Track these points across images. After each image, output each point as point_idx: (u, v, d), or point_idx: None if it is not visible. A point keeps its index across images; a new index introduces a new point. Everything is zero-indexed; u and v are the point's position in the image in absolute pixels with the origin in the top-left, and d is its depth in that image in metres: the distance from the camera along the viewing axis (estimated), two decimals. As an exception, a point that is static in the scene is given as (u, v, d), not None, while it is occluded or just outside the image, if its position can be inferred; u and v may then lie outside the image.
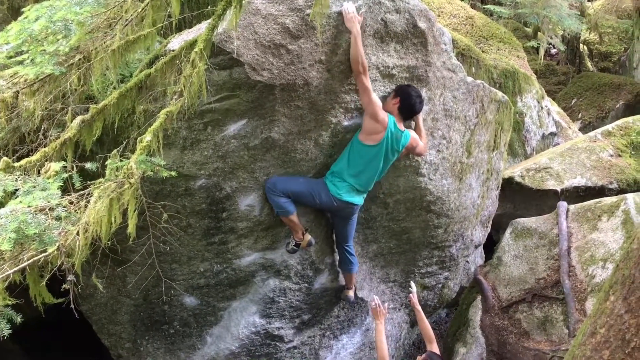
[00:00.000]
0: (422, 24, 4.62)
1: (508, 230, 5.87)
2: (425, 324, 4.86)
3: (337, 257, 5.22)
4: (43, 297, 3.48)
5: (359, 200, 4.73)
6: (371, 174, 4.62)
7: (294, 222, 4.71)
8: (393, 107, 4.53)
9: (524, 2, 10.27)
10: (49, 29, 3.37)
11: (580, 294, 5.03)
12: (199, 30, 4.32)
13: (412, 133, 4.69)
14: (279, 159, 4.63)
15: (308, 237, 4.81)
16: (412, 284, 5.25)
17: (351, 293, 5.26)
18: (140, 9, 3.58)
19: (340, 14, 4.20)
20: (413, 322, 6.10)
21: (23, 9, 3.89)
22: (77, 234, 3.14)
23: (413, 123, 4.85)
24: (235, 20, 3.64)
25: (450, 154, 5.25)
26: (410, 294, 5.08)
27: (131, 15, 3.60)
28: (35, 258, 3.10)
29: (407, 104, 4.54)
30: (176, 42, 4.29)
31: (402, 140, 4.58)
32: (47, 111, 3.89)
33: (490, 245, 6.81)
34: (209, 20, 3.92)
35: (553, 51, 13.32)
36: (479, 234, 6.31)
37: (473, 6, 11.44)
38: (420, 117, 4.79)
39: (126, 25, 3.58)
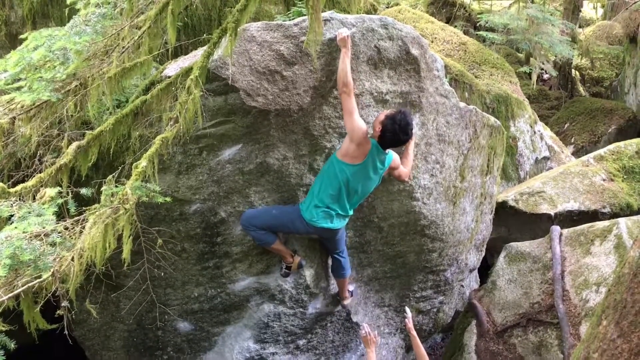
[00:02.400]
0: (414, 51, 4.69)
1: (502, 255, 5.88)
2: (421, 349, 4.84)
3: (332, 281, 5.21)
4: (37, 323, 3.46)
5: (338, 224, 4.55)
6: (351, 194, 4.41)
7: (279, 249, 4.71)
8: (376, 133, 4.31)
9: (515, 29, 10.41)
10: (47, 58, 3.42)
11: (574, 318, 5.03)
12: (195, 56, 4.38)
13: (394, 155, 4.54)
14: (274, 184, 4.66)
15: (297, 259, 4.83)
16: (407, 309, 5.23)
17: (348, 300, 5.21)
18: (137, 37, 3.64)
19: (333, 40, 4.27)
20: (408, 347, 6.07)
21: (21, 36, 3.95)
22: (72, 259, 3.14)
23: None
24: (230, 47, 3.70)
25: (444, 178, 5.29)
26: (406, 319, 5.07)
27: (128, 42, 3.65)
28: (30, 284, 3.10)
29: (388, 137, 4.26)
30: (172, 69, 4.35)
31: (387, 160, 4.44)
32: (43, 137, 3.92)
33: (485, 269, 6.81)
34: (204, 47, 3.98)
35: (545, 76, 13.47)
36: (474, 258, 6.32)
37: (466, 32, 11.61)
38: (412, 143, 4.68)
39: (123, 52, 3.63)
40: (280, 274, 4.89)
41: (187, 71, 3.74)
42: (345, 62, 4.10)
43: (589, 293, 5.01)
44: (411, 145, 4.71)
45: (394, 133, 4.21)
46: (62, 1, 5.27)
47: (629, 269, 3.03)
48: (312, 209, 4.43)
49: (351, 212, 4.60)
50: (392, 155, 4.52)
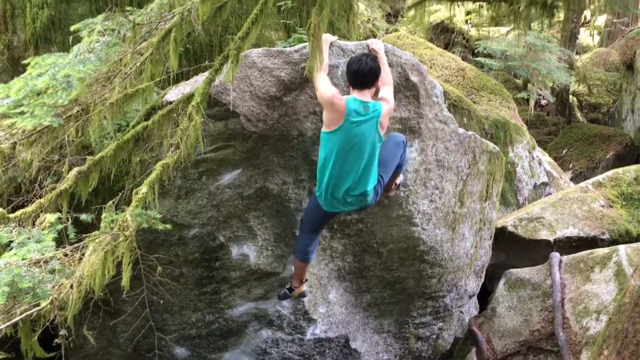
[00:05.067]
0: (414, 78, 4.73)
1: (502, 281, 5.85)
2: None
3: (332, 307, 5.17)
4: (34, 351, 3.43)
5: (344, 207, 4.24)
6: (342, 163, 4.03)
7: (304, 271, 4.59)
8: (350, 89, 4.11)
9: (513, 55, 10.52)
10: (51, 85, 3.45)
11: (575, 346, 4.99)
12: (196, 82, 4.42)
13: (382, 102, 4.13)
14: (273, 209, 4.66)
15: (304, 287, 4.70)
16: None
17: (305, 287, 4.76)
18: (139, 63, 3.67)
19: (333, 66, 4.30)
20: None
21: (24, 61, 3.98)
22: (71, 287, 3.13)
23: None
24: (232, 73, 3.73)
25: (443, 204, 5.29)
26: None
27: (130, 68, 3.69)
28: (28, 312, 3.08)
29: (349, 73, 4.08)
30: (173, 94, 4.38)
31: (372, 106, 4.03)
32: (44, 162, 3.93)
33: (485, 296, 6.77)
34: (206, 73, 4.01)
35: (543, 102, 13.56)
36: (473, 284, 6.29)
37: (464, 58, 11.72)
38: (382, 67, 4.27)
39: (125, 78, 3.67)
40: (278, 294, 4.81)
41: (189, 97, 3.77)
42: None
43: (590, 321, 4.98)
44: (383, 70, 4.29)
45: (351, 65, 4.07)
46: (65, 26, 5.33)
47: (629, 298, 3.02)
48: (318, 194, 4.22)
49: (348, 185, 4.10)
50: (379, 102, 4.10)
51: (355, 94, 4.04)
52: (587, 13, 16.13)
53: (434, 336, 6.11)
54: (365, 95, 4.05)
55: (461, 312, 6.38)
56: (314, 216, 4.37)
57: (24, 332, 3.27)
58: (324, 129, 4.05)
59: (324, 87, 3.99)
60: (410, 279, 5.47)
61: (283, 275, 4.90)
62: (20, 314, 3.14)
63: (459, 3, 3.38)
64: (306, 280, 4.71)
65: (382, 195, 4.54)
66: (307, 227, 4.42)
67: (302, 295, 4.75)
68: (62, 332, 3.28)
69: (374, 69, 4.06)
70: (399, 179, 4.72)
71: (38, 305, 3.12)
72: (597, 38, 18.00)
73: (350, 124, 3.96)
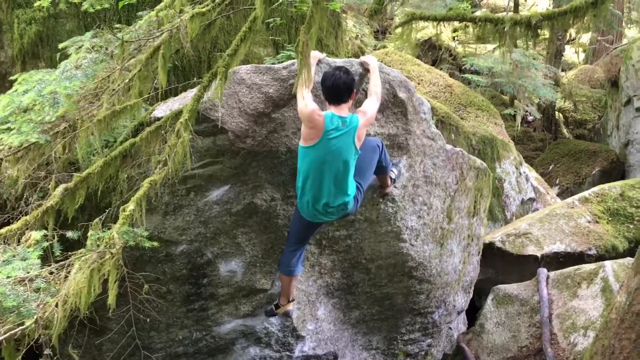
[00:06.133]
0: (402, 94, 4.77)
1: (490, 297, 5.87)
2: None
3: (320, 324, 5.15)
4: (18, 372, 3.37)
5: (324, 218, 4.24)
6: (321, 177, 4.05)
7: (290, 287, 4.56)
8: (326, 105, 4.12)
9: (500, 72, 10.63)
10: (37, 101, 3.43)
11: (563, 362, 5.01)
12: (185, 98, 4.42)
13: (359, 114, 4.12)
14: (262, 225, 4.65)
15: (291, 306, 4.67)
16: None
17: (291, 306, 4.73)
18: (127, 79, 3.67)
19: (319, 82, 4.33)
20: (396, 391, 5.98)
21: (11, 77, 3.97)
22: (56, 306, 3.09)
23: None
24: (220, 90, 3.74)
25: (431, 220, 5.31)
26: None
27: (118, 85, 3.69)
28: (12, 331, 3.04)
29: (324, 88, 4.07)
30: (161, 110, 4.37)
31: (350, 120, 4.03)
32: (30, 179, 3.90)
33: (473, 311, 6.78)
34: (194, 90, 4.02)
35: (530, 118, 13.69)
36: (461, 300, 6.30)
37: (452, 75, 11.83)
38: (372, 79, 4.34)
39: (113, 95, 3.66)
40: (265, 310, 4.79)
41: (177, 114, 3.77)
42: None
43: (577, 337, 5.00)
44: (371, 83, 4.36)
45: (325, 81, 4.06)
46: (53, 42, 5.32)
47: (616, 315, 3.04)
48: (299, 204, 4.23)
49: (326, 198, 4.11)
50: (355, 116, 4.10)
51: (332, 109, 4.04)
52: (572, 31, 16.36)
53: (423, 352, 6.10)
54: (343, 110, 4.06)
55: (450, 328, 6.37)
56: (298, 227, 4.36)
57: (7, 351, 3.22)
58: (301, 143, 4.06)
59: (304, 102, 3.97)
60: (398, 295, 5.46)
61: (271, 291, 4.88)
62: (4, 333, 3.10)
63: (446, 23, 3.43)
64: (293, 300, 4.68)
65: (366, 202, 4.62)
66: (293, 238, 4.41)
67: (287, 314, 4.72)
68: (47, 351, 3.23)
69: (348, 82, 4.05)
70: (394, 173, 4.74)
71: (22, 324, 3.08)
72: (582, 55, 18.25)
73: (328, 140, 3.97)
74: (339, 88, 4.03)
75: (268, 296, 4.87)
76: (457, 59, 14.17)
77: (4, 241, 3.55)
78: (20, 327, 3.11)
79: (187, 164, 3.88)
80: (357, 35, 12.22)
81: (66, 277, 3.32)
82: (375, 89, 4.27)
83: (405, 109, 4.81)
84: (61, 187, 3.75)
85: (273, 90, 4.30)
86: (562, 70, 15.05)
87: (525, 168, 9.03)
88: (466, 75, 11.44)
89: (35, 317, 3.08)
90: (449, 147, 5.38)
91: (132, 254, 4.27)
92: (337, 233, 4.93)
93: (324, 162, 4.01)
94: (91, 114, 3.70)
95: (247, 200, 4.51)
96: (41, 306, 3.12)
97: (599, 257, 6.73)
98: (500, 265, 7.07)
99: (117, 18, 5.32)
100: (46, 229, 3.70)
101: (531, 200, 8.85)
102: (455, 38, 15.70)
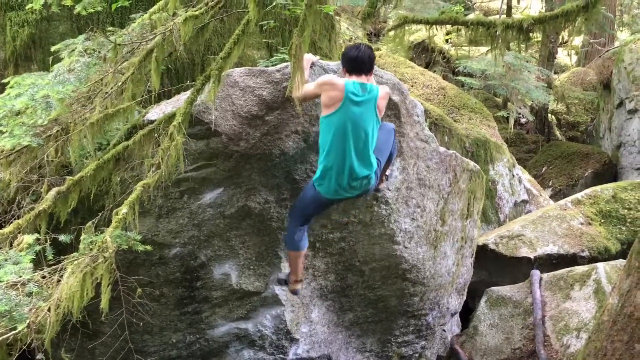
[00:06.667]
0: (395, 97, 4.78)
1: (483, 299, 5.89)
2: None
3: (314, 327, 5.14)
4: (10, 377, 3.35)
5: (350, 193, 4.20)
6: (345, 145, 4.03)
7: (299, 262, 4.46)
8: (346, 75, 4.15)
9: (493, 75, 10.67)
10: (29, 105, 3.42)
11: (556, 364, 5.03)
12: (178, 101, 4.41)
13: (381, 87, 4.23)
14: (255, 227, 4.65)
15: (299, 286, 4.57)
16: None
17: (299, 286, 4.66)
18: (120, 82, 3.67)
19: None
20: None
21: (3, 80, 3.95)
22: (49, 310, 3.08)
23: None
24: (213, 93, 3.74)
25: (425, 222, 5.32)
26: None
27: (111, 88, 3.68)
28: (4, 336, 3.02)
29: (348, 59, 4.12)
30: (155, 113, 4.36)
31: (370, 91, 4.08)
32: (23, 182, 3.88)
33: (467, 313, 6.80)
34: (187, 92, 4.01)
35: (523, 120, 13.74)
36: (455, 302, 6.31)
37: (445, 77, 11.87)
38: None
39: (106, 98, 3.65)
40: (278, 277, 4.72)
41: (170, 117, 3.76)
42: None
43: (570, 338, 5.02)
44: None
45: (347, 53, 4.14)
46: (46, 45, 5.30)
47: (608, 317, 3.05)
48: (318, 184, 4.17)
49: (367, 166, 4.13)
50: (376, 86, 4.20)
51: (353, 78, 4.08)
52: (564, 34, 16.44)
53: (417, 355, 6.10)
54: (362, 80, 4.10)
55: (443, 330, 6.38)
56: (309, 207, 4.29)
57: (0, 356, 3.20)
58: (323, 114, 4.06)
59: (309, 85, 4.07)
60: (392, 297, 5.47)
61: (265, 294, 4.88)
62: (-4, 337, 3.09)
63: (439, 26, 3.45)
64: (301, 280, 4.59)
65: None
66: (299, 220, 4.32)
67: (294, 292, 4.63)
68: (39, 355, 3.22)
69: (372, 56, 4.14)
70: (388, 170, 4.75)
71: (15, 328, 3.06)
72: (574, 58, 18.34)
73: (350, 103, 3.99)
74: (364, 59, 4.10)
75: (262, 299, 4.87)
76: (450, 62, 14.20)
77: (-4, 245, 3.54)
78: (13, 332, 3.09)
79: (181, 167, 3.88)
80: (351, 38, 12.23)
81: (59, 281, 3.30)
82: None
83: (398, 111, 4.82)
84: (54, 190, 3.73)
85: (266, 93, 4.30)
86: (555, 73, 15.11)
87: (519, 170, 9.07)
88: (459, 77, 11.47)
89: (27, 321, 3.06)
90: (442, 149, 5.39)
91: (125, 257, 4.26)
92: (330, 235, 4.93)
93: (346, 131, 4.00)
94: (84, 117, 3.69)
95: (241, 203, 4.51)
96: (33, 310, 3.10)
97: (592, 259, 6.76)
98: (494, 267, 7.09)
99: (110, 21, 5.30)
100: (39, 232, 3.69)
101: (524, 202, 8.88)
102: (449, 41, 15.75)
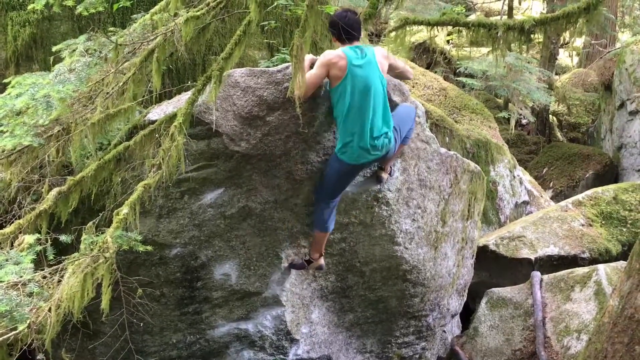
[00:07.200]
0: (396, 97, 4.78)
1: (484, 300, 5.88)
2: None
3: (313, 326, 5.14)
4: (11, 377, 3.35)
5: (372, 155, 4.32)
6: (360, 105, 4.19)
7: (324, 242, 4.70)
8: (337, 44, 4.31)
9: (494, 76, 10.65)
10: (30, 105, 3.43)
11: (556, 365, 5.03)
12: (179, 101, 4.42)
13: (376, 49, 4.39)
14: (256, 228, 4.65)
15: (322, 261, 4.75)
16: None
17: (322, 260, 4.85)
18: (121, 83, 3.67)
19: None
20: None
21: (4, 80, 3.95)
22: (49, 310, 3.08)
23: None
24: (214, 93, 3.74)
25: (426, 223, 5.31)
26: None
27: (112, 88, 3.68)
28: (5, 336, 3.02)
29: (338, 27, 4.23)
30: (156, 113, 4.37)
31: (367, 50, 4.26)
32: (24, 182, 3.88)
33: (467, 315, 6.79)
34: (188, 93, 4.01)
35: (524, 121, 13.73)
36: (455, 303, 6.31)
37: (446, 78, 11.85)
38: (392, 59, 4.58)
39: (107, 98, 3.66)
40: (292, 262, 4.79)
41: (171, 117, 3.77)
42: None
43: (571, 340, 5.02)
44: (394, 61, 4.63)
45: (336, 18, 4.29)
46: (47, 44, 5.31)
47: (608, 319, 3.05)
48: (342, 153, 4.30)
49: (385, 123, 4.30)
50: (370, 47, 4.39)
51: (347, 45, 4.25)
52: (565, 35, 16.43)
53: (417, 356, 6.10)
54: (355, 44, 4.28)
55: (444, 331, 6.38)
56: (336, 180, 4.43)
57: (0, 356, 3.20)
58: (331, 87, 4.23)
59: (316, 66, 4.19)
60: (393, 298, 5.46)
61: (265, 295, 4.88)
62: (-3, 338, 3.09)
63: (440, 27, 3.48)
64: (322, 254, 4.74)
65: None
66: (328, 195, 4.48)
67: (320, 268, 4.78)
68: (40, 356, 3.22)
69: (359, 20, 4.26)
70: (392, 165, 4.88)
71: (15, 328, 3.06)
72: (575, 59, 18.33)
73: (354, 67, 4.16)
74: (355, 25, 4.25)
75: (262, 299, 4.87)
76: (451, 62, 14.19)
77: (-3, 245, 3.54)
78: (13, 332, 3.09)
79: (181, 168, 3.88)
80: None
81: (59, 281, 3.30)
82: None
83: (399, 112, 4.81)
84: (55, 190, 3.74)
85: (268, 94, 4.31)
86: (556, 74, 15.10)
87: (519, 171, 9.06)
88: (460, 78, 11.46)
89: (28, 321, 3.06)
90: (443, 150, 5.39)
91: (126, 257, 4.26)
92: (331, 236, 4.93)
93: (359, 92, 4.17)
94: (85, 117, 3.69)
95: (242, 203, 4.51)
96: (34, 310, 3.11)
97: (593, 261, 6.74)
98: (494, 268, 7.08)
99: (111, 21, 5.31)
100: (39, 232, 3.69)
101: (525, 203, 8.87)
102: (450, 41, 15.74)
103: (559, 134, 14.18)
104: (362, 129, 4.19)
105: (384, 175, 4.85)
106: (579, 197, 7.71)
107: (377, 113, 4.24)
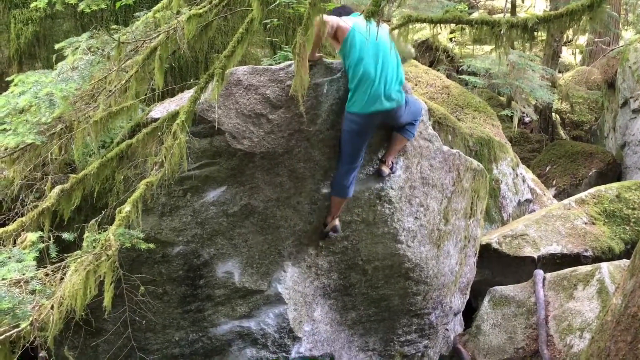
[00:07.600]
0: (399, 96, 4.77)
1: (486, 299, 5.88)
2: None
3: (315, 325, 5.15)
4: (13, 375, 3.36)
5: (387, 104, 4.43)
6: (371, 54, 4.34)
7: (340, 207, 4.74)
8: (339, 34, 4.41)
9: (497, 74, 10.63)
10: (33, 103, 3.43)
11: (559, 364, 5.02)
12: (181, 99, 4.42)
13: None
14: (258, 226, 4.65)
15: (337, 222, 4.78)
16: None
17: (337, 222, 4.87)
18: (124, 81, 3.67)
19: (319, 84, 4.33)
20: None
21: (7, 78, 3.96)
22: (52, 308, 3.08)
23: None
24: (217, 92, 3.74)
25: (428, 221, 5.31)
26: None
27: (115, 86, 3.68)
28: (7, 333, 3.03)
29: (340, 12, 4.53)
30: (158, 111, 4.37)
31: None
32: (26, 180, 3.89)
33: (470, 313, 6.79)
34: (191, 91, 4.02)
35: (527, 119, 13.71)
36: (458, 301, 6.30)
37: (449, 76, 11.82)
38: None
39: (109, 96, 3.66)
40: (322, 231, 4.84)
41: (174, 115, 3.77)
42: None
43: (573, 338, 5.01)
44: None
45: (344, 12, 4.54)
46: (50, 42, 5.32)
47: (611, 317, 3.05)
48: (354, 102, 4.39)
49: (397, 73, 4.48)
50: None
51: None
52: (569, 32, 16.40)
53: (420, 354, 6.10)
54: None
55: (446, 329, 6.38)
56: (350, 138, 4.45)
57: (2, 353, 3.21)
58: (339, 46, 4.36)
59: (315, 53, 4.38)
60: (395, 296, 5.46)
61: (268, 293, 4.88)
62: (0, 335, 3.09)
63: (442, 25, 3.50)
64: (338, 217, 4.78)
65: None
66: (348, 158, 4.52)
67: (335, 230, 4.79)
68: (42, 353, 3.23)
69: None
70: (393, 160, 4.89)
71: (18, 326, 3.07)
72: (579, 57, 18.29)
73: (358, 23, 4.29)
74: (351, 9, 4.57)
75: (265, 297, 4.87)
76: (454, 60, 14.16)
77: (0, 242, 3.54)
78: (16, 329, 3.10)
79: (184, 165, 3.88)
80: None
81: (62, 278, 3.31)
82: None
83: (402, 110, 4.80)
84: (57, 188, 3.74)
85: (270, 92, 4.30)
86: (559, 72, 15.07)
87: (522, 169, 9.04)
88: (463, 76, 11.43)
89: (30, 319, 3.07)
90: (445, 148, 5.38)
91: (129, 255, 4.26)
92: (333, 234, 4.93)
93: (368, 43, 4.24)
94: (88, 115, 3.69)
95: (244, 201, 4.51)
96: (37, 308, 3.11)
97: (595, 259, 6.73)
98: (497, 266, 7.07)
99: (114, 19, 5.32)
100: (42, 230, 3.70)
101: (528, 201, 8.86)
102: (453, 39, 15.72)
103: (562, 132, 14.15)
104: (375, 73, 4.31)
105: (385, 170, 4.84)
106: (582, 195, 7.69)
107: (387, 64, 4.36)
